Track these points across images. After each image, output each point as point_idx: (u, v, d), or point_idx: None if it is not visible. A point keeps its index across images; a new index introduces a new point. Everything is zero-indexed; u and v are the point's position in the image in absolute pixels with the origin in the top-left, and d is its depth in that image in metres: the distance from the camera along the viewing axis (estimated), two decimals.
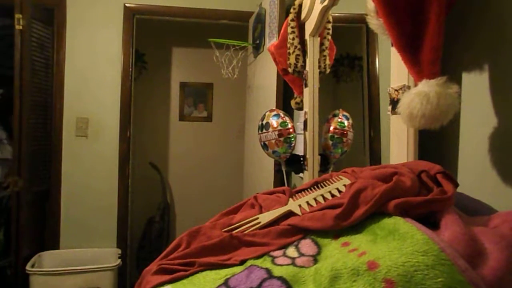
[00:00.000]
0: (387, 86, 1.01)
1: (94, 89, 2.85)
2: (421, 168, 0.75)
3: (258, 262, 0.69)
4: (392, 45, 0.91)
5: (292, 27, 1.66)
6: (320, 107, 1.61)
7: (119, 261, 2.63)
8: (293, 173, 2.08)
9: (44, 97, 2.79)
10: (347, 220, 0.71)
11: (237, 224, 0.82)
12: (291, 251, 0.71)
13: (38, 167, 2.77)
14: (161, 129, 3.81)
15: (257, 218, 0.82)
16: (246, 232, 0.79)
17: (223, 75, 2.74)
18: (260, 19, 2.58)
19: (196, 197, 3.81)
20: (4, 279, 2.60)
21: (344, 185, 0.82)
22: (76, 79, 2.82)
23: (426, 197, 0.68)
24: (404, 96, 0.84)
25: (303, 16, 1.63)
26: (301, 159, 1.71)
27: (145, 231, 3.55)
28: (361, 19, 1.07)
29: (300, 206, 0.82)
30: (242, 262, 0.71)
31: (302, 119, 1.72)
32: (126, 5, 2.85)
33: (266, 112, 1.71)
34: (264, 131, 1.66)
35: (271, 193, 0.92)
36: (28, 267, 2.42)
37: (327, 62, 1.62)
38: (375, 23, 0.95)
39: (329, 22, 1.59)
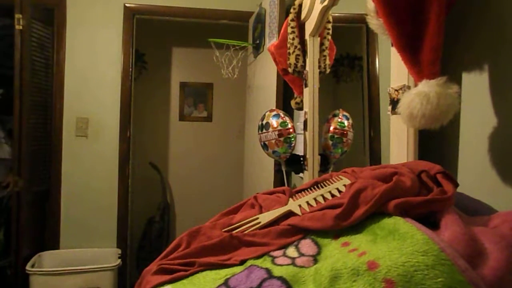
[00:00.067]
0: (387, 86, 1.01)
1: (94, 89, 2.85)
2: (421, 168, 0.75)
3: (258, 262, 0.69)
4: (392, 45, 0.91)
5: (292, 27, 1.66)
6: (320, 107, 1.61)
7: (119, 261, 2.63)
8: (293, 173, 2.08)
9: (44, 97, 2.79)
10: (347, 220, 0.71)
11: (237, 224, 0.82)
12: (291, 251, 0.71)
13: (38, 167, 2.77)
14: (161, 129, 3.81)
15: (257, 218, 0.82)
16: (246, 232, 0.79)
17: (223, 75, 2.74)
18: (260, 19, 2.58)
19: (196, 197, 3.81)
20: (4, 279, 2.60)
21: (344, 185, 0.82)
22: (76, 79, 2.82)
23: (426, 197, 0.68)
24: (404, 96, 0.84)
25: (303, 16, 1.63)
26: (301, 159, 1.71)
27: (145, 231, 3.55)
28: (361, 19, 1.07)
29: (300, 206, 0.82)
30: (242, 262, 0.71)
31: (302, 119, 1.72)
32: (126, 5, 2.85)
33: (266, 112, 1.71)
34: (264, 131, 1.66)
35: (271, 193, 0.92)
36: (28, 267, 2.42)
37: (327, 62, 1.62)
38: (375, 23, 0.95)
39: (329, 22, 1.59)
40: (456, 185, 0.70)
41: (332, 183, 0.87)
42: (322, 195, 0.83)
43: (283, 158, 1.68)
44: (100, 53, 2.85)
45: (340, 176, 0.88)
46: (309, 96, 1.62)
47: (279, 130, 1.61)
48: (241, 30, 3.04)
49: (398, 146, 0.96)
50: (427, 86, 0.79)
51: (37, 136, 2.72)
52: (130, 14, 2.86)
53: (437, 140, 0.96)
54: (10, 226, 2.48)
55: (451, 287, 0.52)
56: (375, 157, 1.45)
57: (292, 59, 1.65)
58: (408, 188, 0.70)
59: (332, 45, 1.64)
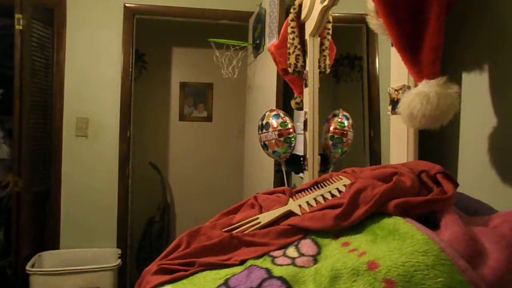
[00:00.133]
0: (387, 86, 1.01)
1: (94, 89, 2.85)
2: (421, 168, 0.75)
3: (258, 262, 0.69)
4: (392, 45, 0.91)
5: (292, 27, 1.66)
6: (320, 107, 1.61)
7: (119, 261, 2.63)
8: (293, 173, 2.08)
9: (44, 97, 2.79)
10: (347, 220, 0.71)
11: (237, 224, 0.82)
12: (291, 251, 0.71)
13: (38, 167, 2.77)
14: (161, 129, 3.81)
15: (257, 218, 0.82)
16: (246, 232, 0.79)
17: (223, 75, 2.74)
18: (260, 19, 2.58)
19: (196, 197, 3.81)
20: (4, 279, 2.60)
21: (344, 185, 0.82)
22: (76, 79, 2.82)
23: (426, 197, 0.68)
24: (404, 96, 0.84)
25: (303, 16, 1.63)
26: (301, 159, 1.71)
27: (145, 231, 3.55)
28: (361, 19, 1.07)
29: (300, 206, 0.82)
30: (242, 262, 0.71)
31: (302, 119, 1.72)
32: (126, 5, 2.85)
33: (266, 112, 1.71)
34: (264, 131, 1.66)
35: (271, 193, 0.92)
36: (28, 267, 2.42)
37: (327, 62, 1.62)
38: (375, 23, 0.95)
39: (329, 22, 1.59)
40: (456, 185, 0.70)
41: (332, 183, 0.87)
42: (322, 195, 0.83)
43: (283, 158, 1.68)
44: (100, 53, 2.85)
45: (340, 176, 0.88)
46: (309, 96, 1.62)
47: (279, 130, 1.61)
48: (241, 30, 3.04)
49: (398, 146, 0.96)
50: (427, 86, 0.79)
51: (37, 136, 2.72)
52: (130, 14, 2.86)
53: (437, 140, 0.96)
54: (10, 226, 2.48)
55: (451, 287, 0.52)
56: (375, 157, 1.45)
57: (292, 59, 1.65)
58: (408, 188, 0.70)
59: (332, 45, 1.64)
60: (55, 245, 2.79)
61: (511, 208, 0.70)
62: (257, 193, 0.94)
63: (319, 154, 1.63)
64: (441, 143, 0.96)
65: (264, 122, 1.67)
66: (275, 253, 0.71)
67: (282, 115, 1.65)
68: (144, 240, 3.52)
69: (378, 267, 0.55)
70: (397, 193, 0.70)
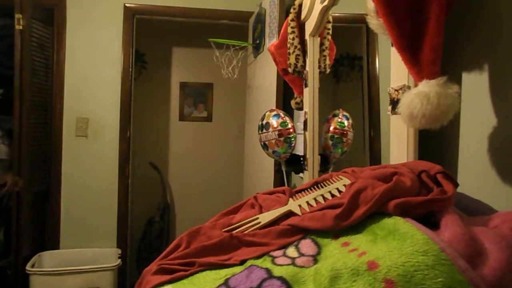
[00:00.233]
0: (387, 86, 1.01)
1: (94, 89, 2.85)
2: (421, 168, 0.75)
3: (258, 262, 0.69)
4: (392, 45, 0.91)
5: (292, 27, 1.66)
6: (320, 107, 1.61)
7: (119, 261, 2.63)
8: (293, 173, 2.08)
9: (44, 97, 2.79)
10: (347, 220, 0.71)
11: (237, 224, 0.82)
12: (291, 251, 0.71)
13: (38, 167, 2.77)
14: (161, 129, 3.81)
15: (257, 218, 0.82)
16: (246, 232, 0.79)
17: (223, 75, 2.74)
18: (260, 19, 2.58)
19: (196, 197, 3.81)
20: (4, 279, 2.60)
21: (344, 185, 0.82)
22: (76, 79, 2.82)
23: (426, 197, 0.68)
24: (404, 96, 0.84)
25: (303, 16, 1.63)
26: (301, 159, 1.71)
27: (145, 231, 3.55)
28: (361, 19, 1.07)
29: (300, 206, 0.82)
30: (242, 262, 0.71)
31: (302, 119, 1.72)
32: (126, 5, 2.85)
33: (266, 112, 1.71)
34: (264, 131, 1.66)
35: (271, 193, 0.92)
36: (28, 267, 2.42)
37: (327, 62, 1.62)
38: (375, 23, 0.95)
39: (329, 22, 1.59)
40: (456, 185, 0.70)
41: (332, 183, 0.87)
42: (322, 195, 0.83)
43: (283, 158, 1.68)
44: (100, 53, 2.85)
45: (340, 176, 0.88)
46: (309, 96, 1.62)
47: (279, 130, 1.61)
48: (241, 30, 3.04)
49: (398, 146, 0.96)
50: (427, 86, 0.79)
51: (37, 136, 2.72)
52: (130, 14, 2.86)
53: (437, 140, 0.96)
54: (10, 226, 2.48)
55: (451, 287, 0.52)
56: (375, 157, 1.45)
57: (292, 59, 1.65)
58: (408, 188, 0.70)
59: (332, 45, 1.64)
60: (55, 245, 2.79)
61: (511, 208, 0.70)
62: (257, 193, 0.94)
63: (319, 154, 1.63)
64: (441, 143, 0.96)
65: (264, 122, 1.67)
66: (275, 253, 0.71)
67: (282, 115, 1.65)
68: (144, 240, 3.52)
69: (378, 267, 0.55)
70: (397, 193, 0.70)
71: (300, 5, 1.65)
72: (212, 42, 2.58)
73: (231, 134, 3.86)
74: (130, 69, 2.89)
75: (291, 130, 1.62)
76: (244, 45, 2.71)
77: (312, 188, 0.88)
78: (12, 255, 2.45)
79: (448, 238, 0.58)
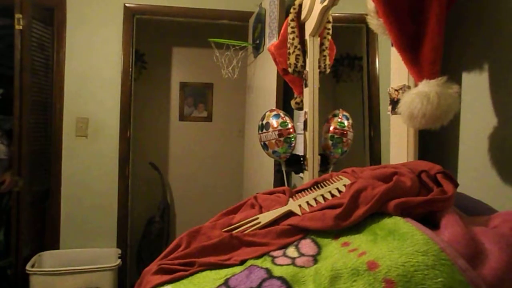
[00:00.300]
0: (387, 86, 1.01)
1: (94, 89, 2.85)
2: (421, 168, 0.75)
3: (258, 262, 0.69)
4: (392, 45, 0.91)
5: (292, 27, 1.66)
6: (320, 107, 1.61)
7: (119, 261, 2.63)
8: (293, 173, 2.08)
9: (44, 97, 2.79)
10: (347, 220, 0.71)
11: (237, 224, 0.82)
12: (291, 251, 0.71)
13: (38, 167, 2.77)
14: (161, 129, 3.81)
15: (257, 218, 0.82)
16: (246, 232, 0.79)
17: (223, 75, 2.74)
18: (260, 19, 2.58)
19: (196, 197, 3.81)
20: (4, 279, 2.60)
21: (344, 185, 0.82)
22: (76, 79, 2.82)
23: (426, 197, 0.68)
24: (405, 96, 0.84)
25: (303, 16, 1.63)
26: (301, 159, 1.71)
27: (145, 231, 3.55)
28: (361, 19, 1.07)
29: (300, 206, 0.82)
30: (242, 262, 0.71)
31: (302, 119, 1.72)
32: (126, 5, 2.85)
33: (266, 112, 1.71)
34: (264, 131, 1.66)
35: (271, 193, 0.92)
36: (28, 267, 2.42)
37: (327, 62, 1.62)
38: (375, 23, 0.95)
39: (329, 22, 1.59)
40: (456, 185, 0.70)
41: (332, 183, 0.87)
42: (322, 195, 0.83)
43: (283, 158, 1.68)
44: (100, 53, 2.85)
45: (340, 176, 0.88)
46: (309, 96, 1.62)
47: (279, 130, 1.61)
48: (241, 30, 3.04)
49: (398, 146, 0.96)
50: (428, 86, 0.79)
51: (37, 136, 2.72)
52: (130, 14, 2.86)
53: (437, 140, 0.96)
54: (10, 226, 2.48)
55: (451, 287, 0.52)
56: (375, 157, 1.45)
57: (292, 59, 1.65)
58: (408, 188, 0.70)
59: (332, 45, 1.64)
60: (55, 245, 2.79)
61: (511, 208, 0.70)
62: (257, 193, 0.94)
63: (319, 154, 1.63)
64: (441, 143, 0.96)
65: (264, 122, 1.67)
66: (275, 253, 0.71)
67: (282, 115, 1.65)
68: (144, 240, 3.52)
69: (378, 267, 0.55)
70: (397, 193, 0.70)
71: (300, 5, 1.65)
72: (212, 42, 2.58)
73: (231, 134, 3.86)
74: (130, 69, 2.89)
75: (291, 130, 1.62)
76: (244, 45, 2.71)
77: (312, 188, 0.88)
78: (12, 255, 2.45)
79: (448, 238, 0.58)
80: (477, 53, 0.86)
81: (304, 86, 1.68)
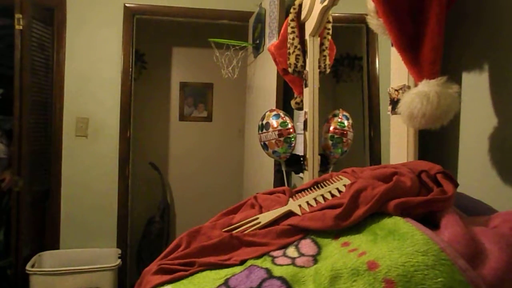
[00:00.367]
0: (387, 86, 1.01)
1: (94, 89, 2.85)
2: (421, 168, 0.75)
3: (258, 262, 0.69)
4: (392, 45, 0.91)
5: (292, 27, 1.66)
6: (320, 107, 1.61)
7: (119, 261, 2.63)
8: (293, 173, 2.08)
9: (44, 97, 2.79)
10: (347, 220, 0.71)
11: (237, 224, 0.82)
12: (291, 251, 0.71)
13: (38, 167, 2.77)
14: (161, 129, 3.81)
15: (257, 218, 0.82)
16: (246, 232, 0.79)
17: (223, 75, 2.74)
18: (260, 19, 2.58)
19: (196, 197, 3.81)
20: (4, 279, 2.60)
21: (344, 185, 0.82)
22: (76, 79, 2.82)
23: (426, 197, 0.68)
24: (405, 96, 0.84)
25: (303, 16, 1.63)
26: (301, 159, 1.71)
27: (145, 231, 3.55)
28: (361, 19, 1.07)
29: (300, 206, 0.82)
30: (242, 262, 0.71)
31: (302, 119, 1.72)
32: (126, 5, 2.85)
33: (266, 112, 1.71)
34: (264, 131, 1.66)
35: (271, 193, 0.92)
36: (28, 267, 2.42)
37: (327, 62, 1.62)
38: (375, 23, 0.95)
39: (329, 22, 1.59)
40: (456, 185, 0.70)
41: (332, 183, 0.87)
42: (322, 195, 0.83)
43: (283, 158, 1.68)
44: (100, 53, 2.85)
45: (340, 176, 0.88)
46: (309, 96, 1.62)
47: (279, 130, 1.61)
48: (241, 30, 3.04)
49: (398, 146, 0.96)
50: (428, 86, 0.79)
51: (37, 136, 2.72)
52: (130, 14, 2.86)
53: (437, 140, 0.96)
54: (10, 226, 2.48)
55: (451, 287, 0.52)
56: (375, 157, 1.45)
57: (292, 59, 1.65)
58: (408, 188, 0.70)
59: (332, 45, 1.64)
60: (55, 245, 2.79)
61: (511, 208, 0.70)
62: (257, 193, 0.94)
63: (319, 154, 1.63)
64: (441, 143, 0.96)
65: (264, 122, 1.67)
66: (275, 253, 0.71)
67: (282, 115, 1.65)
68: (144, 240, 3.52)
69: (378, 267, 0.55)
70: (397, 193, 0.70)
71: (300, 5, 1.65)
72: (212, 42, 2.58)
73: (231, 134, 3.86)
74: (130, 69, 2.89)
75: (291, 130, 1.62)
76: (244, 45, 2.71)
77: (312, 188, 0.88)
78: (12, 255, 2.45)
79: (448, 238, 0.58)
80: (477, 53, 0.86)
81: (304, 86, 1.68)
